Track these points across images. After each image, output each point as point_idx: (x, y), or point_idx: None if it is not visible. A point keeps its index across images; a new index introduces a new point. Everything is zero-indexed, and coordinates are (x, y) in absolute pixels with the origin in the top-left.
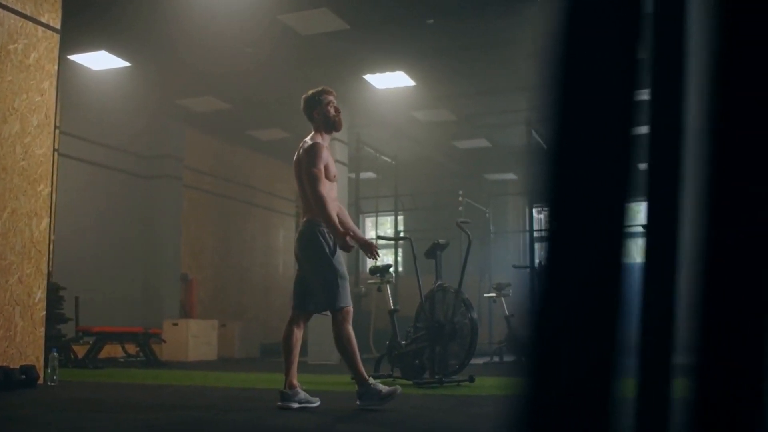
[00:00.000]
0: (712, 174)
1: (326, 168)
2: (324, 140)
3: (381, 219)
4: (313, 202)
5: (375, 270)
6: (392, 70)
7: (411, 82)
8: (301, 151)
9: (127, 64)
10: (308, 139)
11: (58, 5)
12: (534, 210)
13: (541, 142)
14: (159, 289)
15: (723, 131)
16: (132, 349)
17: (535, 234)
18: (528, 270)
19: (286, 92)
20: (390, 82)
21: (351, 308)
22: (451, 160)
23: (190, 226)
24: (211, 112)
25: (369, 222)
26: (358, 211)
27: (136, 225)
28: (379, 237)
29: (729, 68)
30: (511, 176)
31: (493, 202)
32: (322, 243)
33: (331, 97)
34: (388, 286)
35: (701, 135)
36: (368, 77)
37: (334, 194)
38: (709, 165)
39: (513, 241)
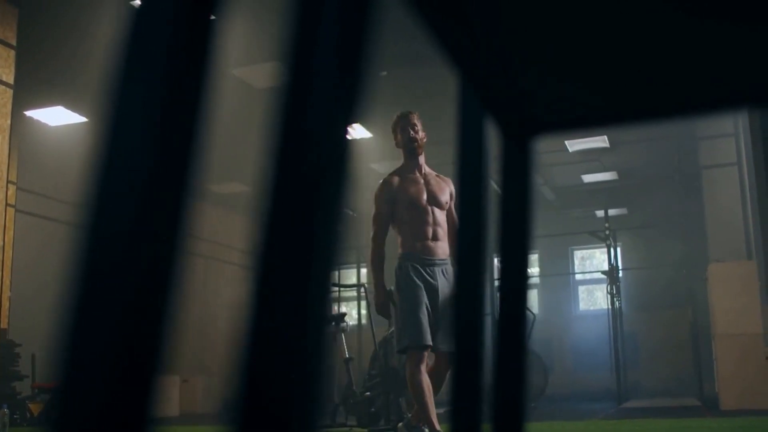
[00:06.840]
0: None
1: (395, 203)
2: (408, 167)
3: (346, 272)
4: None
5: (329, 319)
6: None
7: (367, 134)
8: None
9: (84, 119)
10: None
11: (12, 61)
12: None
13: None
14: None
15: None
16: None
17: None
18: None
19: (243, 146)
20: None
21: (420, 351)
22: None
23: None
24: None
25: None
26: None
27: None
28: (333, 285)
29: None
30: None
31: None
32: (398, 279)
33: (404, 122)
34: (342, 335)
35: None
36: None
37: (419, 223)
38: None
39: None
